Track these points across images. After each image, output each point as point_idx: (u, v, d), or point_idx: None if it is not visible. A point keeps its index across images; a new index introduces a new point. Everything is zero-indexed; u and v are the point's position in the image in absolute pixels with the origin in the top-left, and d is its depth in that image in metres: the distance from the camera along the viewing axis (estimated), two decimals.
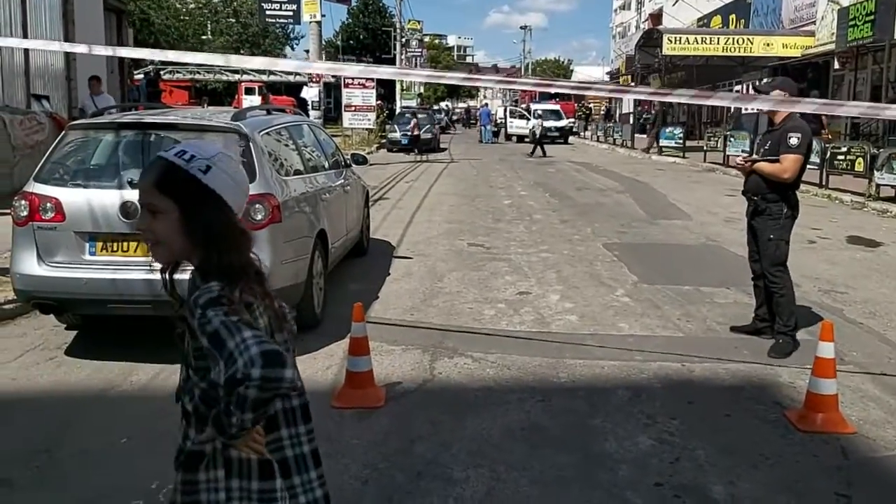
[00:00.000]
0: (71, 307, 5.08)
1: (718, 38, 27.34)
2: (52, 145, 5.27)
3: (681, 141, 24.59)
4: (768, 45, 25.89)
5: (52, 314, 5.39)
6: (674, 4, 40.20)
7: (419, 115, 31.09)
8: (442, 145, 31.63)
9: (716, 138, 22.81)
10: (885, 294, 7.17)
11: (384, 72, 6.83)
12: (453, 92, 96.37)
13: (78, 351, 5.28)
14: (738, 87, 32.52)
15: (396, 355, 5.28)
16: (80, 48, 7.14)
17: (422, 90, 63.60)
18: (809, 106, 5.13)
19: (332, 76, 28.73)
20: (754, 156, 5.64)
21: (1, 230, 8.65)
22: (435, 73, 8.55)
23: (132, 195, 4.82)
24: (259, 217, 4.96)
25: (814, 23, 24.80)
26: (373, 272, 7.88)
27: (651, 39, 29.86)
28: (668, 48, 26.71)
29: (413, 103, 45.36)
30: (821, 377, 4.14)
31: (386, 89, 40.33)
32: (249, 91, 36.65)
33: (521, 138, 36.66)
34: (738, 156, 19.28)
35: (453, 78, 9.03)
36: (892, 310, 6.59)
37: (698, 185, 17.06)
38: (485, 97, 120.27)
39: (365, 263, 8.29)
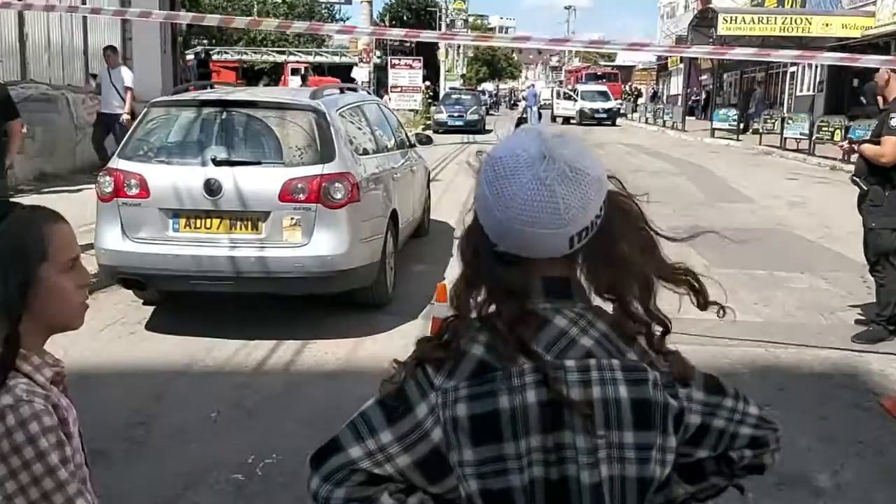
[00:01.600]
0: (154, 283, 5.14)
1: (776, 18, 26.58)
2: (136, 122, 5.31)
3: (735, 123, 24.05)
4: (827, 25, 25.09)
5: (133, 289, 5.46)
6: None
7: (465, 97, 30.93)
8: (487, 127, 31.41)
9: (773, 120, 22.24)
10: None
11: (428, 35, 6.79)
12: (496, 73, 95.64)
13: (158, 326, 5.35)
14: (793, 69, 31.68)
15: None
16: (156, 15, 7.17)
17: (464, 71, 63.22)
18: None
19: (379, 57, 28.69)
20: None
21: (64, 205, 8.86)
22: (481, 35, 8.44)
23: (215, 172, 4.86)
24: (339, 196, 4.95)
25: (874, 3, 23.96)
26: (436, 253, 7.84)
27: (705, 19, 29.16)
28: (724, 28, 26.04)
29: (457, 84, 45.13)
30: None
31: (429, 70, 40.16)
32: (295, 71, 36.81)
33: (566, 120, 36.24)
34: (798, 138, 18.85)
35: (500, 39, 8.91)
36: None
37: (757, 168, 16.68)
38: (526, 78, 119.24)
39: (427, 244, 8.26)
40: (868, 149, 5.02)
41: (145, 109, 5.32)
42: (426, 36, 6.17)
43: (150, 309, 5.67)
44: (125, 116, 10.78)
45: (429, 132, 27.52)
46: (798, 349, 5.03)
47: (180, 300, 5.74)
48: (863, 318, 5.57)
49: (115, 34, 16.19)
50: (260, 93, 5.80)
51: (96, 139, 11.21)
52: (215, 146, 5.01)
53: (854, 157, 5.35)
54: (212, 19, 14.45)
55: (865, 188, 5.05)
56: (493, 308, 1.12)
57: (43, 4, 7.71)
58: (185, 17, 10.28)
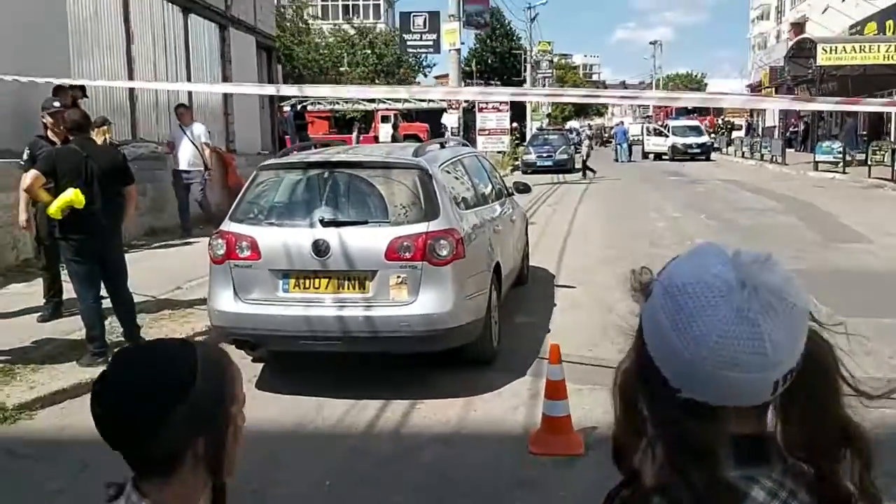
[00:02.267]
0: (265, 343, 5.19)
1: (879, 46, 25.44)
2: (245, 185, 5.43)
3: (840, 154, 22.99)
4: None
5: (244, 349, 5.53)
6: (823, 12, 37.95)
7: (552, 136, 30.81)
8: (577, 166, 31.15)
9: (882, 152, 21.12)
10: None
11: (502, 91, 6.67)
12: (581, 111, 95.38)
13: (268, 384, 5.38)
14: None
15: (584, 395, 5.03)
16: (269, 89, 7.46)
17: (549, 110, 63.29)
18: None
19: (467, 101, 29.03)
20: None
21: (173, 261, 9.18)
22: (553, 91, 8.36)
23: (323, 233, 4.89)
24: (444, 253, 4.90)
25: None
26: (538, 303, 7.69)
27: (802, 49, 28.25)
28: (823, 58, 25.13)
29: (543, 123, 45.12)
30: None
31: (515, 111, 40.37)
32: (385, 119, 37.64)
33: (658, 156, 35.57)
34: None
35: (572, 95, 8.75)
36: None
37: (870, 204, 15.78)
38: (613, 114, 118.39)
39: (527, 293, 8.11)
40: None
41: (255, 173, 5.44)
42: (501, 92, 6.15)
43: (260, 366, 5.72)
44: (207, 173, 11.20)
45: (518, 172, 27.61)
46: None
47: (289, 358, 5.77)
48: None
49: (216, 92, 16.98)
50: (364, 153, 5.85)
51: (181, 197, 11.34)
52: (322, 207, 5.06)
53: None
54: (324, 90, 14.96)
55: None
56: (670, 471, 0.92)
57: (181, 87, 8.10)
58: (290, 90, 10.50)
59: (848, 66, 26.55)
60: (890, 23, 30.10)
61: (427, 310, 4.84)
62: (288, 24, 38.74)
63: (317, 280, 4.91)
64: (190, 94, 15.44)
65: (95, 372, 5.17)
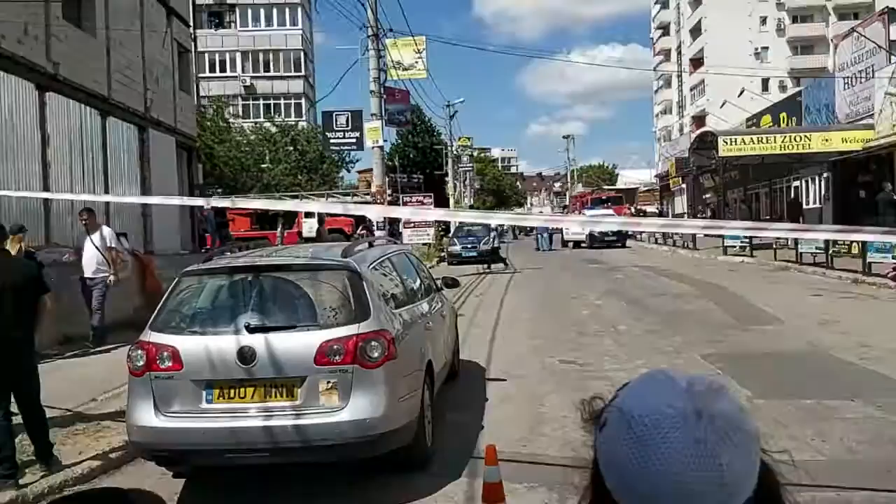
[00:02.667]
0: (188, 459, 4.93)
1: (775, 137, 27.36)
2: (167, 292, 5.28)
3: (747, 240, 24.15)
4: (827, 140, 25.75)
5: (165, 465, 5.24)
6: (721, 106, 40.63)
7: (476, 228, 31.36)
8: (501, 255, 31.65)
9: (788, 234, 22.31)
10: None
11: (435, 213, 6.82)
12: (502, 202, 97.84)
13: (191, 502, 5.09)
14: (796, 183, 32.24)
15: (521, 495, 4.95)
16: (198, 201, 7.38)
17: (472, 202, 64.71)
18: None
19: (391, 195, 29.44)
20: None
21: (88, 370, 8.75)
22: (482, 213, 8.59)
23: (249, 339, 4.76)
24: (376, 355, 4.83)
25: (871, 116, 24.66)
26: (469, 398, 7.62)
27: (705, 142, 30.02)
28: (724, 150, 26.76)
29: None
30: None
31: (439, 204, 41.07)
32: (309, 214, 37.61)
33: (577, 244, 36.57)
34: (814, 253, 18.79)
35: (497, 217, 9.03)
36: None
37: (778, 286, 16.54)
38: (532, 204, 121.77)
39: (458, 388, 8.03)
40: None
41: (176, 279, 5.30)
42: (434, 214, 6.34)
43: (181, 482, 5.42)
44: (112, 278, 10.55)
45: (444, 263, 27.84)
46: (871, 493, 4.71)
47: (213, 471, 5.49)
48: None
49: (134, 192, 16.70)
50: (290, 255, 5.79)
51: (88, 304, 10.69)
52: (248, 312, 4.94)
53: None
54: (258, 203, 14.89)
55: None
56: None
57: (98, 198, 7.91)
58: (222, 202, 10.19)
59: (748, 155, 28.30)
60: (783, 115, 32.48)
61: (359, 415, 4.72)
62: (209, 123, 38.81)
63: (242, 389, 4.73)
64: (106, 192, 15.13)
65: (5, 496, 4.79)
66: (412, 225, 27.21)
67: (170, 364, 4.77)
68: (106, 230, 10.93)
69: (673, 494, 0.87)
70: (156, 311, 5.15)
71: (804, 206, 31.07)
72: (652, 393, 0.93)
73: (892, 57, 24.16)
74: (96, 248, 10.61)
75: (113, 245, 10.81)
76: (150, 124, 17.31)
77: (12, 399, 5.34)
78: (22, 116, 12.19)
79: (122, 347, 8.24)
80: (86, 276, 10.69)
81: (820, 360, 8.73)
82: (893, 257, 14.81)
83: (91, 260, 10.62)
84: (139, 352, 4.86)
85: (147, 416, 4.75)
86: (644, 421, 0.90)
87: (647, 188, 65.16)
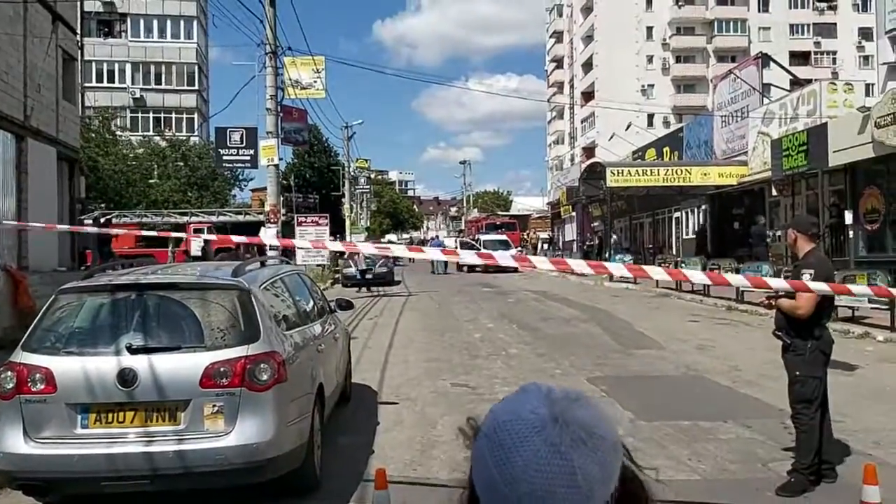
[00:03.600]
0: (60, 488, 4.64)
1: (658, 170, 28.74)
2: (42, 310, 4.98)
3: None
4: (705, 174, 27.28)
5: (34, 495, 4.91)
6: (609, 139, 42.36)
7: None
8: (396, 278, 31.68)
9: (667, 263, 23.44)
10: (882, 421, 7.17)
11: (398, 244, 6.81)
12: (399, 225, 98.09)
13: None
14: (677, 214, 33.94)
15: None
16: (62, 228, 7.00)
17: (369, 223, 64.53)
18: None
19: (285, 215, 28.95)
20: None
21: None
22: (380, 245, 8.60)
23: (130, 361, 4.56)
24: (265, 377, 4.72)
25: (746, 153, 26.34)
26: (360, 421, 7.56)
27: (594, 172, 31.18)
28: (612, 180, 27.88)
29: (362, 237, 45.78)
30: None
31: (335, 225, 40.75)
32: (198, 231, 36.45)
33: (471, 268, 37.05)
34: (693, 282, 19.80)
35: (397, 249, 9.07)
36: (894, 439, 6.56)
37: (659, 312, 17.31)
38: (428, 228, 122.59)
39: (350, 411, 7.96)
40: (785, 303, 5.27)
41: (53, 297, 5.01)
42: (335, 246, 6.29)
43: None
44: None
45: (338, 286, 27.55)
46: None
47: (87, 501, 5.20)
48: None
49: (9, 202, 15.72)
50: (178, 273, 5.59)
51: None
52: (130, 333, 4.72)
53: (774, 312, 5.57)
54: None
55: (788, 341, 5.25)
56: None
57: None
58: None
59: (633, 186, 29.60)
60: (667, 149, 34.19)
61: (246, 440, 4.59)
62: (94, 134, 37.07)
63: (122, 413, 4.51)
64: None
65: None
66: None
67: (42, 386, 4.49)
68: None
69: (529, 495, 0.90)
70: (29, 331, 4.85)
71: (684, 237, 32.76)
72: (518, 401, 0.98)
73: (765, 98, 25.97)
74: None
75: None
76: (30, 133, 16.36)
77: None
78: None
79: None
80: None
81: (696, 384, 9.18)
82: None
83: None
84: (8, 373, 4.56)
85: (15, 443, 4.45)
86: (506, 427, 0.94)
87: (539, 215, 66.92)
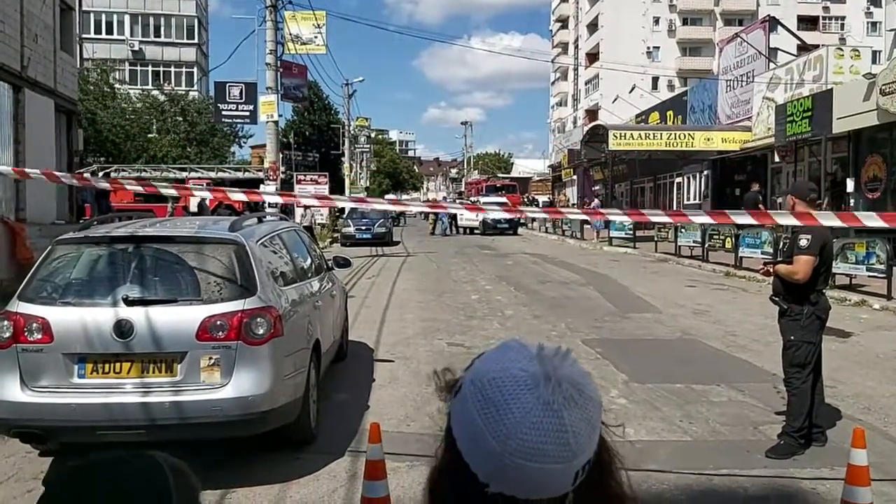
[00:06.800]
0: (57, 435, 4.69)
1: (661, 134, 28.52)
2: (38, 260, 4.98)
3: (631, 231, 25.19)
4: (708, 139, 27.09)
5: (31, 443, 4.96)
6: (613, 101, 42.01)
7: (370, 210, 31.20)
8: (395, 238, 31.70)
9: (666, 229, 23.41)
10: (873, 387, 7.23)
11: (380, 201, 6.76)
12: (398, 185, 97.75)
13: None
14: (679, 179, 33.82)
15: (403, 473, 5.01)
16: (65, 179, 6.98)
17: (368, 184, 64.30)
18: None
19: (284, 172, 28.82)
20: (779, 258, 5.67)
21: None
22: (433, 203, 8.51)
23: (127, 312, 4.58)
24: (261, 331, 4.74)
25: (750, 118, 26.13)
26: (356, 378, 7.62)
27: (596, 135, 30.96)
28: (614, 143, 27.70)
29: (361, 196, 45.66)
30: (856, 485, 4.04)
31: (334, 184, 40.63)
32: (197, 188, 36.29)
33: (471, 230, 37.04)
34: (692, 246, 19.84)
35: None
36: (885, 404, 6.62)
37: (657, 276, 17.34)
38: (428, 189, 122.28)
39: (346, 369, 8.02)
40: (782, 268, 5.28)
41: (49, 247, 5.00)
42: (378, 202, 6.26)
43: (48, 461, 5.16)
44: None
45: (337, 245, 27.57)
46: (731, 470, 5.04)
47: (84, 449, 5.25)
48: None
49: (6, 155, 15.63)
50: (175, 226, 5.57)
51: None
52: (127, 284, 4.73)
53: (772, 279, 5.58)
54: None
55: (785, 307, 5.27)
56: None
57: None
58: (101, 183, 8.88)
59: (636, 150, 29.44)
60: (670, 113, 33.93)
61: (242, 392, 4.63)
62: (91, 87, 36.71)
63: (118, 364, 4.54)
64: None
65: None
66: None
67: (39, 336, 4.51)
68: None
69: (520, 453, 0.90)
70: (25, 281, 4.85)
71: (685, 202, 32.66)
72: (505, 359, 0.96)
73: (771, 63, 25.69)
74: None
75: None
76: (27, 84, 16.19)
77: None
78: None
79: None
80: None
81: (693, 348, 9.23)
82: (763, 253, 15.83)
83: None
84: (5, 323, 4.57)
85: (12, 391, 4.49)
86: (496, 383, 0.93)
87: (540, 178, 66.69)
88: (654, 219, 12.38)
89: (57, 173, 7.33)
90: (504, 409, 0.91)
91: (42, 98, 17.19)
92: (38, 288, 4.76)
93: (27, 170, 8.83)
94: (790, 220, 5.20)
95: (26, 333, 4.52)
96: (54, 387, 4.51)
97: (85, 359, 4.54)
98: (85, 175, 16.54)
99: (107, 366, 4.55)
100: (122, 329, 4.51)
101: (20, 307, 4.63)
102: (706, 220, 8.06)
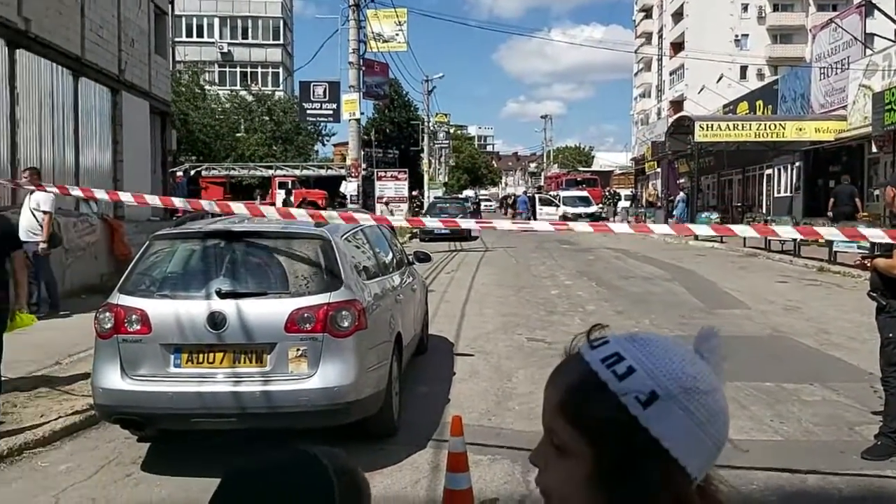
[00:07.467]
0: (154, 422, 4.93)
1: (750, 124, 27.55)
2: (137, 255, 5.24)
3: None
4: (800, 129, 26.01)
5: (130, 429, 5.23)
6: (699, 92, 40.86)
7: (450, 205, 31.39)
8: (473, 233, 31.74)
9: (756, 222, 22.62)
10: None
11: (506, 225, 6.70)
12: (476, 180, 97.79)
13: (154, 466, 5.09)
14: (769, 171, 32.61)
15: (485, 466, 5.04)
16: (151, 200, 7.45)
17: (447, 179, 64.62)
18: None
19: (365, 169, 29.30)
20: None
21: (52, 333, 8.65)
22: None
23: (220, 305, 4.75)
24: (346, 324, 4.85)
25: (845, 107, 24.94)
26: (437, 372, 7.69)
27: (681, 126, 30.17)
28: (700, 135, 26.92)
29: (440, 192, 45.99)
30: None
31: (413, 180, 41.05)
32: (282, 185, 37.38)
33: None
34: (783, 240, 19.08)
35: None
36: None
37: (746, 272, 16.79)
38: (506, 184, 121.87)
39: (427, 362, 8.10)
40: (881, 262, 5.03)
41: (147, 242, 5.26)
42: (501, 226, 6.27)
43: (146, 446, 5.42)
44: (42, 245, 9.70)
45: (416, 240, 27.83)
46: (824, 471, 4.85)
47: (179, 436, 5.49)
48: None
49: (105, 155, 16.44)
50: (264, 222, 5.76)
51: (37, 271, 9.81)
52: (219, 278, 4.92)
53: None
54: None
55: (884, 303, 5.02)
56: None
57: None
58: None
59: (723, 142, 28.54)
60: (760, 103, 32.73)
61: (328, 383, 4.75)
62: (183, 88, 38.21)
63: (211, 354, 4.73)
64: (77, 158, 14.88)
65: None
66: (385, 200, 27.12)
67: (138, 327, 4.75)
68: (41, 193, 9.68)
69: (722, 441, 0.93)
70: (125, 275, 5.11)
71: (775, 195, 31.48)
72: (682, 359, 0.94)
73: (867, 49, 24.44)
74: (31, 211, 9.80)
75: (47, 209, 9.84)
76: (124, 87, 16.99)
77: None
78: None
79: (79, 314, 8.13)
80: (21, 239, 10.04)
81: (784, 346, 8.91)
82: (859, 247, 15.11)
83: (24, 224, 9.57)
84: (107, 314, 4.83)
85: (113, 379, 4.74)
86: (699, 387, 0.91)
87: (622, 171, 65.50)
88: (740, 233, 11.97)
89: (146, 196, 7.85)
90: (716, 397, 0.92)
91: (138, 100, 18.00)
92: (137, 281, 5.00)
93: (119, 193, 9.34)
94: (882, 236, 4.95)
95: (126, 324, 4.76)
96: (152, 375, 4.73)
97: (180, 349, 4.75)
98: (170, 199, 17.23)
99: (200, 356, 4.75)
100: (216, 321, 4.69)
101: (121, 299, 4.88)
102: (794, 235, 7.72)
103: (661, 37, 72.92)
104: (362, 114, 21.17)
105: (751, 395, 6.66)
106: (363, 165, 27.51)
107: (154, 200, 8.54)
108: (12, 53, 12.35)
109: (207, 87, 43.01)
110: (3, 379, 5.55)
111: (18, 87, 12.54)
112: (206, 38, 53.59)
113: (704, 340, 0.97)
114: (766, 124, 27.30)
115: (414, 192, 30.64)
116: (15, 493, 4.66)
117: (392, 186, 27.94)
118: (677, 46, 66.42)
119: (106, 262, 13.30)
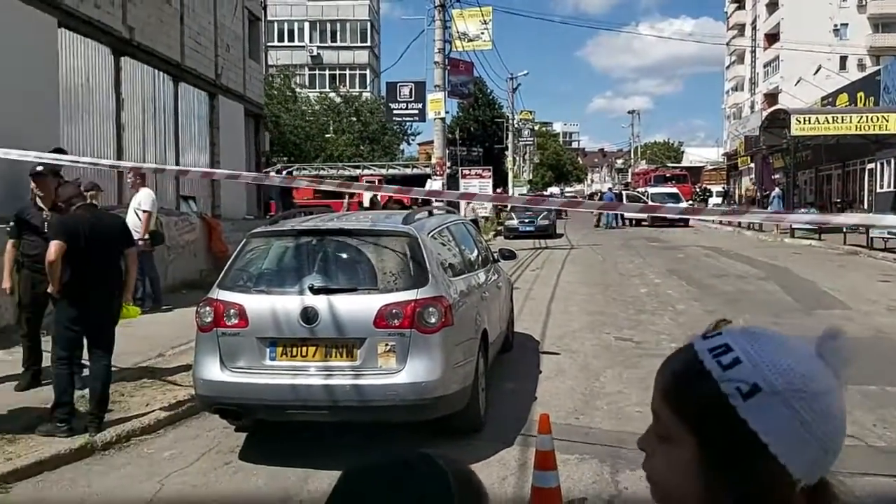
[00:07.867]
0: (251, 412, 5.14)
1: (851, 117, 26.31)
2: (234, 252, 5.46)
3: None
4: None
5: (228, 418, 5.46)
6: (796, 84, 39.27)
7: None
8: (558, 231, 31.46)
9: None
10: None
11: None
12: (561, 177, 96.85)
13: (252, 455, 5.30)
14: (871, 165, 31.04)
15: (573, 465, 5.01)
16: (275, 179, 7.57)
17: (531, 177, 64.26)
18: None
19: (450, 167, 29.49)
20: None
21: (156, 328, 9.10)
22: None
23: (312, 300, 4.91)
24: (433, 320, 4.92)
25: None
26: (523, 369, 7.68)
27: (776, 120, 29.09)
28: (797, 129, 25.89)
29: (524, 189, 45.78)
30: None
31: (497, 177, 41.00)
32: (370, 182, 38.00)
33: (638, 222, 36.02)
34: (886, 238, 18.13)
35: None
36: None
37: (845, 270, 16.04)
38: (592, 181, 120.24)
39: (513, 360, 8.09)
40: None
41: (244, 240, 5.49)
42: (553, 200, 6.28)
43: (243, 436, 5.64)
44: (139, 242, 9.48)
45: (500, 238, 27.83)
46: None
47: (273, 427, 5.70)
48: None
49: (203, 157, 17.15)
50: (353, 220, 5.91)
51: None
52: (312, 274, 5.09)
53: None
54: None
55: None
56: None
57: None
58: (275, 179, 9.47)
59: (821, 135, 27.35)
60: (861, 94, 31.22)
61: (415, 378, 4.83)
62: (276, 92, 39.41)
63: (304, 348, 4.90)
64: (178, 159, 15.58)
65: (64, 444, 5.05)
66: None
67: (236, 321, 4.95)
68: (143, 192, 10.19)
69: (837, 448, 0.93)
70: (224, 271, 5.34)
71: (878, 190, 29.92)
72: (802, 358, 0.93)
73: None
74: (135, 210, 10.15)
75: (147, 208, 10.15)
76: (220, 91, 17.68)
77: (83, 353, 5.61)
78: (98, 80, 12.60)
79: (180, 308, 8.54)
80: None
81: (886, 347, 8.48)
82: None
83: (129, 223, 9.33)
84: (207, 309, 5.06)
85: (213, 371, 4.96)
86: (811, 387, 0.91)
87: (713, 167, 63.62)
88: (843, 221, 11.43)
89: (244, 173, 7.97)
90: (829, 413, 0.92)
91: (233, 103, 18.70)
92: (235, 277, 5.22)
93: (214, 170, 9.48)
94: None
95: (225, 318, 4.98)
96: (249, 368, 4.93)
97: (276, 342, 4.93)
98: (271, 174, 17.72)
99: (294, 349, 4.92)
100: (309, 315, 4.85)
101: (220, 295, 5.10)
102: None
103: (754, 28, 70.28)
104: (447, 112, 21.36)
105: (852, 398, 6.36)
106: (448, 164, 27.71)
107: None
108: (118, 61, 13.05)
109: (298, 89, 44.20)
110: (112, 370, 5.88)
111: (123, 93, 13.23)
112: (296, 42, 55.13)
113: (827, 341, 0.96)
114: (867, 116, 26.00)
115: (498, 190, 30.61)
116: (124, 479, 4.94)
117: (476, 184, 28.01)
118: (772, 38, 63.83)
119: (204, 259, 13.87)
